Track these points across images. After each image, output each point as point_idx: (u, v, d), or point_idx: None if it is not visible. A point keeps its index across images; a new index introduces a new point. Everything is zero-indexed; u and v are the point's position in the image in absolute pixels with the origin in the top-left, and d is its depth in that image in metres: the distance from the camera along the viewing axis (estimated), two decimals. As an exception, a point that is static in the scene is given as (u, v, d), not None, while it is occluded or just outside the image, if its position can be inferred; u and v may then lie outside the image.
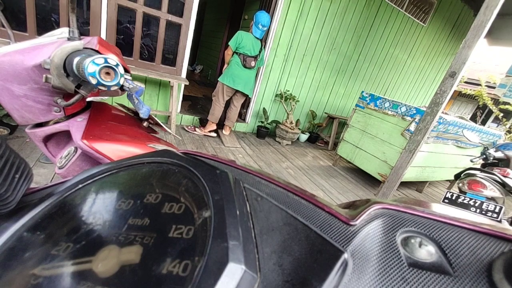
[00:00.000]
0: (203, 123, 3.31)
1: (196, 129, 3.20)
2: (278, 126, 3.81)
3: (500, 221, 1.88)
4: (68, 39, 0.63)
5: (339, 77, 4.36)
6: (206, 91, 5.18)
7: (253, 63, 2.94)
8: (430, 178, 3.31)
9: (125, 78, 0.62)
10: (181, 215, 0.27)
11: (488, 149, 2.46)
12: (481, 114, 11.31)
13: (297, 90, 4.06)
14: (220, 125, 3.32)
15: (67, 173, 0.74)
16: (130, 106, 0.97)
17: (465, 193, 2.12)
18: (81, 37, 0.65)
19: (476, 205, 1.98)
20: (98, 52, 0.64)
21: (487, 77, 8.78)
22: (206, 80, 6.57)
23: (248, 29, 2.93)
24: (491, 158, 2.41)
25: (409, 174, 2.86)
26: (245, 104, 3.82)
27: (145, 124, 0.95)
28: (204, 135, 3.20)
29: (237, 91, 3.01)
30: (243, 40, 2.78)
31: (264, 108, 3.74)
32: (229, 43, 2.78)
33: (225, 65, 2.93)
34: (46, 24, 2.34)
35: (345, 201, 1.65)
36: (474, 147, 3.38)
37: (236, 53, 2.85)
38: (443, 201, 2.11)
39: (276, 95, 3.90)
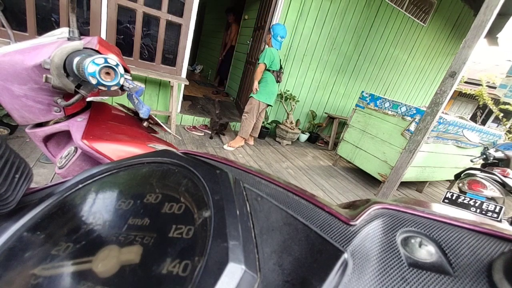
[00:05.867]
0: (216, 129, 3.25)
1: (225, 146, 3.06)
2: (278, 126, 3.81)
3: (500, 221, 1.88)
4: (68, 39, 0.63)
5: (339, 77, 4.36)
6: (206, 91, 5.18)
7: (282, 77, 3.03)
8: (430, 178, 3.31)
9: (125, 78, 0.62)
10: (181, 215, 0.27)
11: (488, 149, 2.46)
12: (481, 114, 11.31)
13: (297, 90, 4.06)
14: (219, 128, 3.29)
15: (67, 173, 0.74)
16: (130, 106, 0.97)
17: (465, 193, 2.12)
18: (81, 37, 0.65)
19: (476, 205, 1.98)
20: (98, 52, 0.64)
21: (487, 77, 8.79)
22: (206, 80, 6.56)
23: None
24: (491, 158, 2.41)
25: (409, 174, 2.86)
26: (245, 104, 3.82)
27: (145, 124, 0.95)
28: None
29: (267, 105, 3.06)
30: (274, 58, 2.79)
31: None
32: (262, 61, 2.76)
33: (255, 82, 2.86)
34: (46, 24, 2.33)
35: (345, 201, 1.65)
36: (474, 147, 3.38)
37: (269, 70, 2.86)
38: (443, 201, 2.11)
39: (276, 95, 3.90)
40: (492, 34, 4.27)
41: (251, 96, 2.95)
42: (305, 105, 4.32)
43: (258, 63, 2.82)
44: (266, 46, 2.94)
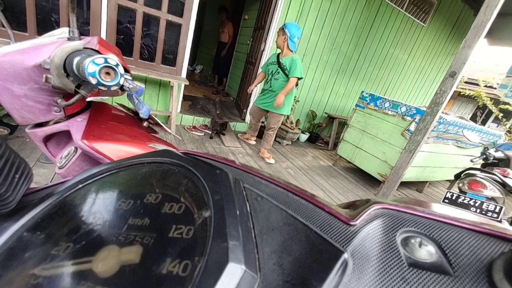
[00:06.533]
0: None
1: (266, 159, 2.99)
2: (278, 126, 3.81)
3: (500, 221, 1.88)
4: (68, 39, 0.63)
5: (339, 77, 4.36)
6: (206, 91, 5.18)
7: None
8: (430, 178, 3.31)
9: (125, 78, 0.62)
10: (181, 215, 0.27)
11: (488, 149, 2.46)
12: (481, 114, 11.31)
13: (297, 90, 4.06)
14: (220, 129, 3.28)
15: (67, 173, 0.74)
16: (130, 106, 0.97)
17: (465, 193, 2.12)
18: (81, 37, 0.65)
19: (476, 205, 1.98)
20: (98, 52, 0.64)
21: (483, 78, 8.79)
22: (206, 80, 6.56)
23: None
24: (491, 158, 2.41)
25: (409, 174, 2.86)
26: (245, 105, 3.82)
27: (145, 124, 0.95)
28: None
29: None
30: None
31: (264, 108, 3.74)
32: (298, 75, 2.49)
33: (282, 97, 2.56)
34: (46, 24, 2.33)
35: (345, 201, 1.65)
36: (474, 147, 3.38)
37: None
38: (443, 201, 2.11)
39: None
40: (492, 34, 4.27)
41: (277, 113, 2.73)
42: (305, 105, 4.32)
43: (290, 76, 2.51)
44: (283, 51, 2.54)
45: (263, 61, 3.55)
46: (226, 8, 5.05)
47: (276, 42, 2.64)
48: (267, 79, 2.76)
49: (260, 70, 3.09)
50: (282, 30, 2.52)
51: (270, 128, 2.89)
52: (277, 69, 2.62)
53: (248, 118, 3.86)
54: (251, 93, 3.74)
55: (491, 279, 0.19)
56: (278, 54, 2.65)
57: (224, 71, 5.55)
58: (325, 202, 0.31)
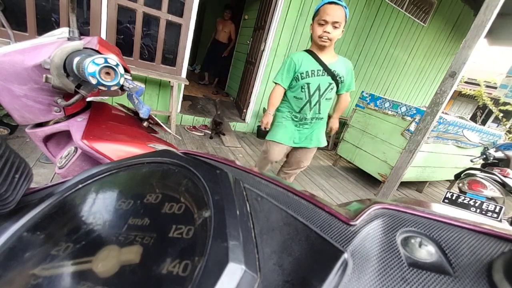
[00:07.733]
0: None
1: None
2: (278, 126, 3.80)
3: (500, 221, 1.88)
4: (68, 39, 0.63)
5: (339, 77, 4.35)
6: (206, 91, 5.18)
7: None
8: (430, 178, 3.31)
9: (125, 78, 0.62)
10: (181, 215, 0.27)
11: (488, 149, 2.46)
12: (481, 114, 11.31)
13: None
14: (215, 127, 3.25)
15: (67, 173, 0.74)
16: (130, 106, 0.97)
17: (465, 193, 2.12)
18: (81, 37, 0.65)
19: (476, 205, 1.98)
20: (98, 52, 0.64)
21: (484, 80, 8.80)
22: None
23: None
24: (491, 158, 2.41)
25: (409, 174, 2.86)
26: (245, 105, 3.83)
27: (145, 124, 0.95)
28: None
29: None
30: None
31: (264, 108, 3.74)
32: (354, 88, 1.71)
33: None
34: (46, 24, 2.34)
35: (345, 201, 1.65)
36: (474, 147, 3.38)
37: None
38: (443, 201, 2.11)
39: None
40: (492, 34, 4.27)
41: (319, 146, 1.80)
42: (305, 105, 4.32)
43: (346, 91, 1.69)
44: (326, 51, 1.49)
45: (263, 61, 3.55)
46: (232, 7, 4.86)
47: (331, 36, 1.39)
48: (307, 100, 1.57)
49: (272, 84, 1.67)
50: (345, 16, 1.38)
51: (305, 167, 1.94)
52: (330, 84, 1.54)
53: (248, 118, 3.85)
54: (251, 93, 3.74)
55: (491, 279, 0.19)
56: (314, 55, 1.50)
57: (218, 69, 5.37)
58: (325, 202, 0.31)
